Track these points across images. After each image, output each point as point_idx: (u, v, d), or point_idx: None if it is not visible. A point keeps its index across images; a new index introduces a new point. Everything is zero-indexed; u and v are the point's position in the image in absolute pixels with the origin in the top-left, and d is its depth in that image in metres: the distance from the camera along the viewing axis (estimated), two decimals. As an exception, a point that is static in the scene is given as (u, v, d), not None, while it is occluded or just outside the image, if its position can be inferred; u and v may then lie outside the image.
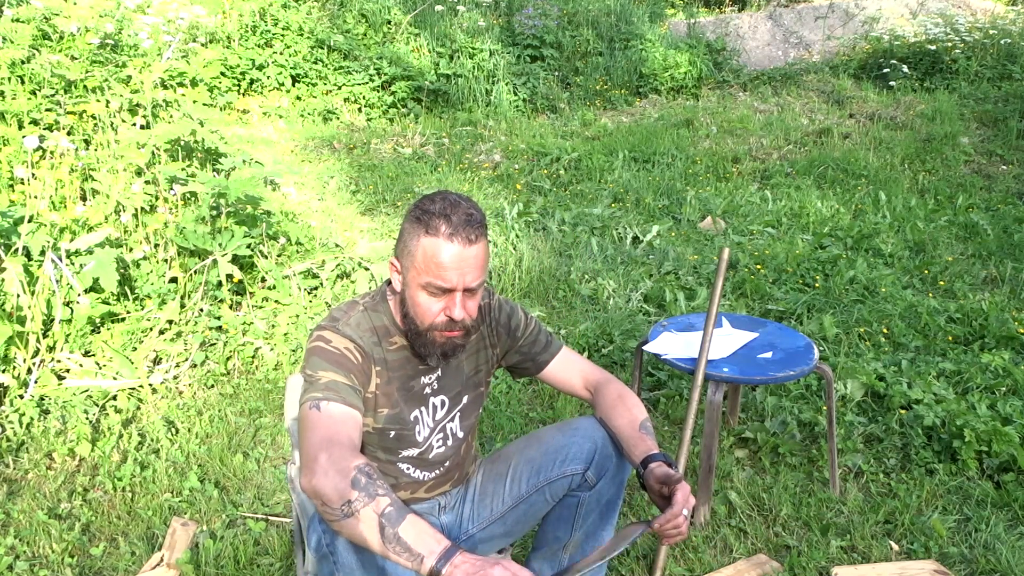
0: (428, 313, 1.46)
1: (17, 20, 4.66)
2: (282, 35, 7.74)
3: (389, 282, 1.59)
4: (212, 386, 3.07)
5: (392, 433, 1.57)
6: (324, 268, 3.79)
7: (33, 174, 3.52)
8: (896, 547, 2.27)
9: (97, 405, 2.78)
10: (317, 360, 1.44)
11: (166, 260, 3.43)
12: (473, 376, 1.68)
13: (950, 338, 3.46)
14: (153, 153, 3.84)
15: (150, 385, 2.92)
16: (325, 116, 7.58)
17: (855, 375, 3.02)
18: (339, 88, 7.77)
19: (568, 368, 1.75)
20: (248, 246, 3.46)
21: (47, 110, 4.02)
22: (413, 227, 1.45)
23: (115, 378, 2.86)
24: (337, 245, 4.23)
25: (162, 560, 2.15)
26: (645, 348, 2.36)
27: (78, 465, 2.59)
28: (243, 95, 7.46)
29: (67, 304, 2.96)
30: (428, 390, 1.61)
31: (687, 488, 1.45)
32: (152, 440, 2.71)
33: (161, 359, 3.06)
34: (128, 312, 3.15)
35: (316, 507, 1.29)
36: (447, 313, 1.46)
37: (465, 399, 1.68)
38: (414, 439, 1.60)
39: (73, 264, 3.04)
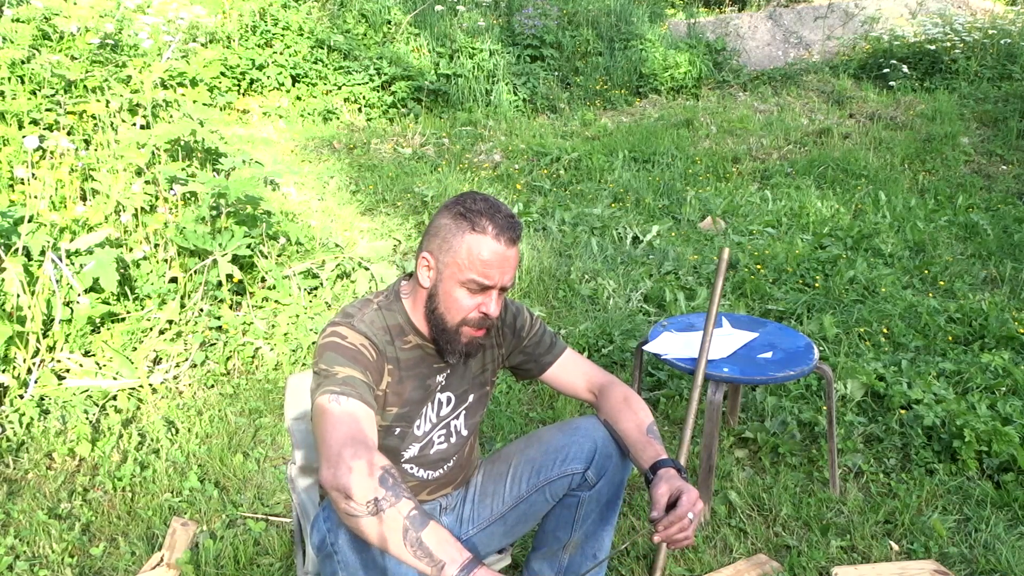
0: (462, 309, 1.47)
1: (17, 20, 4.66)
2: (282, 35, 7.74)
3: (406, 278, 1.59)
4: (212, 386, 3.07)
5: (397, 430, 1.57)
6: (324, 268, 3.80)
7: (33, 174, 3.52)
8: (896, 547, 2.27)
9: (97, 405, 2.78)
10: (333, 355, 1.43)
11: (166, 260, 3.43)
12: (479, 375, 1.68)
13: (950, 338, 3.46)
14: (153, 153, 3.84)
15: (150, 385, 2.92)
16: (325, 116, 7.58)
17: (855, 375, 3.02)
18: (339, 88, 7.77)
19: (571, 370, 1.75)
20: (248, 246, 3.46)
21: (47, 110, 4.02)
22: (456, 223, 1.46)
23: (115, 378, 2.86)
24: (337, 245, 4.23)
25: (162, 560, 2.15)
26: (645, 348, 2.36)
27: (78, 465, 2.59)
28: (243, 95, 7.46)
29: (67, 304, 2.96)
30: (436, 387, 1.61)
31: (695, 493, 1.42)
32: (152, 440, 2.71)
33: (161, 359, 3.06)
34: (128, 312, 3.15)
35: (335, 503, 1.27)
36: (482, 310, 1.48)
37: (471, 398, 1.68)
38: (414, 434, 1.60)
39: (73, 264, 3.04)
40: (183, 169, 3.81)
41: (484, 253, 1.43)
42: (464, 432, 1.69)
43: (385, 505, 1.24)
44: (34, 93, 4.07)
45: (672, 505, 1.43)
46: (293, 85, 7.66)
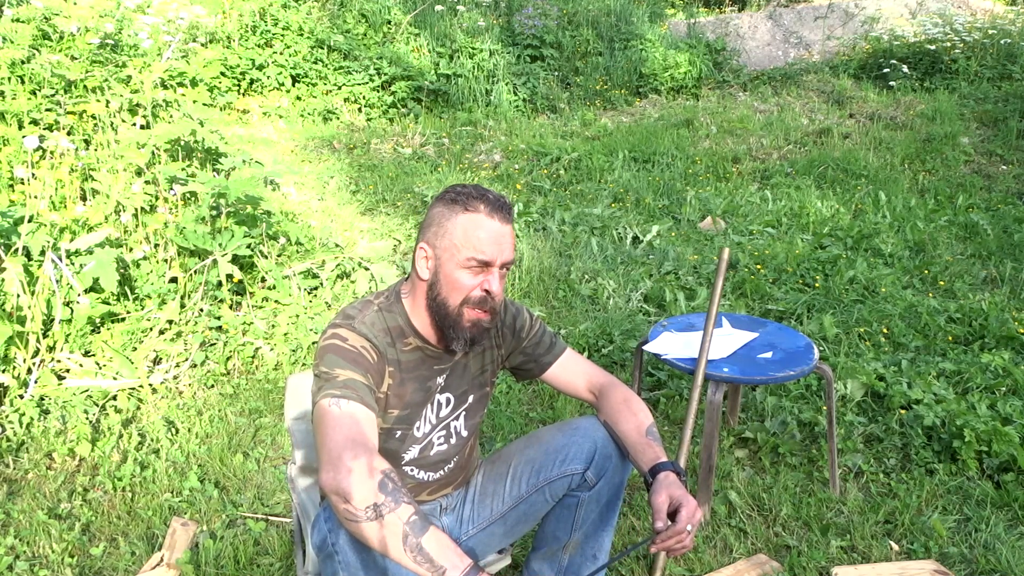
0: (463, 289, 1.47)
1: (17, 20, 4.66)
2: (282, 35, 7.74)
3: (407, 279, 1.59)
4: (212, 386, 3.07)
5: (398, 433, 1.57)
6: (324, 268, 3.80)
7: (33, 174, 3.52)
8: (896, 547, 2.27)
9: (97, 405, 2.78)
10: (333, 358, 1.43)
11: (166, 260, 3.43)
12: (479, 376, 1.68)
13: (950, 338, 3.46)
14: (153, 153, 3.84)
15: (150, 385, 2.92)
16: (325, 116, 7.58)
17: (855, 375, 3.02)
18: (339, 88, 7.77)
19: (572, 370, 1.75)
20: (248, 246, 3.46)
21: (47, 110, 4.02)
22: (448, 209, 1.48)
23: (115, 378, 2.86)
24: (337, 245, 4.23)
25: (162, 560, 2.15)
26: (645, 348, 2.35)
27: (78, 465, 2.59)
28: (243, 95, 7.46)
29: (67, 304, 2.96)
30: (436, 388, 1.61)
31: (693, 504, 1.43)
32: (152, 440, 2.71)
33: (161, 359, 3.06)
34: (128, 312, 3.15)
35: (335, 506, 1.27)
36: (484, 287, 1.47)
37: (471, 398, 1.68)
38: (414, 435, 1.60)
39: (73, 264, 3.04)
40: (183, 169, 3.81)
41: (479, 230, 1.45)
42: (464, 433, 1.69)
43: (385, 511, 1.24)
44: (34, 93, 4.07)
45: (672, 515, 1.43)
46: (293, 85, 7.66)
